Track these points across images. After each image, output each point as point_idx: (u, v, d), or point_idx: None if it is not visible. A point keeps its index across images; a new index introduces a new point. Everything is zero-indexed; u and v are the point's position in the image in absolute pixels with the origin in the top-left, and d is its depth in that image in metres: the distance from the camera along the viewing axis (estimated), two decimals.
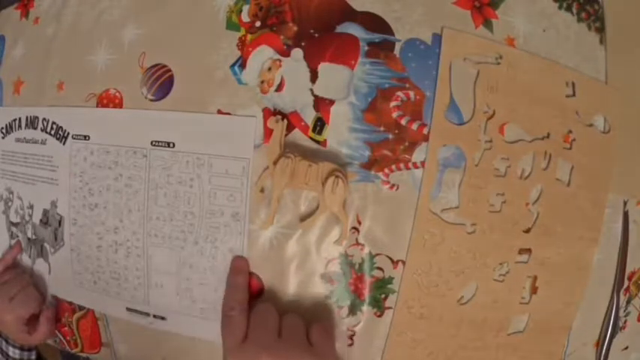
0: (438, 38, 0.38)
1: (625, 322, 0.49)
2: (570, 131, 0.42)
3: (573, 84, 0.42)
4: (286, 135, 0.38)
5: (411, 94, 0.38)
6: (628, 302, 0.49)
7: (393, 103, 0.38)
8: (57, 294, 0.50)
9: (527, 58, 0.40)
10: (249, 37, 0.40)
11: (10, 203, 0.52)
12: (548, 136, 0.41)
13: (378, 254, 0.38)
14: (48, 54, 0.48)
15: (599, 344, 0.48)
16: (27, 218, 0.50)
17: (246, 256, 0.40)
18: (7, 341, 0.50)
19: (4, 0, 0.55)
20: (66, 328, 0.50)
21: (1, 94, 0.53)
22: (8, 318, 0.47)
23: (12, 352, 0.50)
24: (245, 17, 0.40)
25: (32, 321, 0.48)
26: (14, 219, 0.51)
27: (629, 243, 0.47)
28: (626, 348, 0.51)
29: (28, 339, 0.49)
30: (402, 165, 0.38)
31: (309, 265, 0.39)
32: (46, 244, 0.48)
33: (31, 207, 0.49)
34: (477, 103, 0.39)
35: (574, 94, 0.42)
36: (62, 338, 0.51)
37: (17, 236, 0.51)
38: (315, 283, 0.39)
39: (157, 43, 0.42)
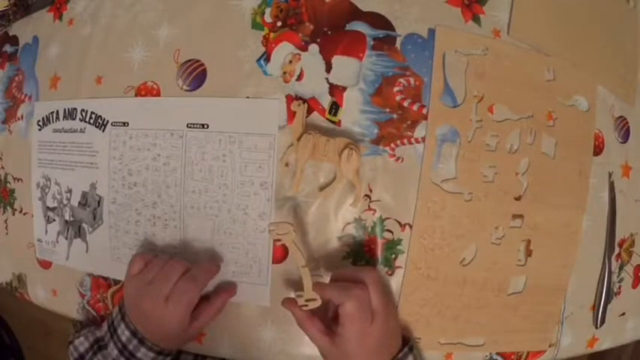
0: (433, 32, 0.44)
1: (619, 287, 0.52)
2: (552, 111, 0.46)
3: (553, 70, 0.46)
4: (306, 117, 0.43)
5: (412, 80, 0.44)
6: (620, 268, 0.52)
7: (396, 88, 0.44)
8: (93, 271, 0.51)
9: (510, 49, 0.45)
10: (272, 35, 0.45)
11: (47, 190, 0.54)
12: (532, 115, 0.45)
13: (387, 218, 0.44)
14: (85, 51, 0.51)
15: (595, 308, 0.51)
16: (64, 202, 0.52)
17: (273, 220, 0.44)
18: (142, 341, 0.40)
19: (35, 3, 0.58)
20: (100, 304, 0.52)
21: (38, 90, 0.55)
22: (172, 322, 0.40)
23: (143, 353, 0.40)
24: (268, 18, 0.45)
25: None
26: (51, 204, 0.53)
27: (618, 212, 0.50)
28: (623, 314, 0.53)
29: (186, 335, 0.42)
30: (405, 140, 0.44)
31: (329, 229, 0.44)
32: (84, 225, 0.51)
33: (69, 191, 0.51)
34: (468, 88, 0.44)
35: (554, 79, 0.47)
36: (95, 314, 0.52)
37: (54, 220, 0.54)
38: (334, 245, 0.44)
39: (191, 42, 0.46)
